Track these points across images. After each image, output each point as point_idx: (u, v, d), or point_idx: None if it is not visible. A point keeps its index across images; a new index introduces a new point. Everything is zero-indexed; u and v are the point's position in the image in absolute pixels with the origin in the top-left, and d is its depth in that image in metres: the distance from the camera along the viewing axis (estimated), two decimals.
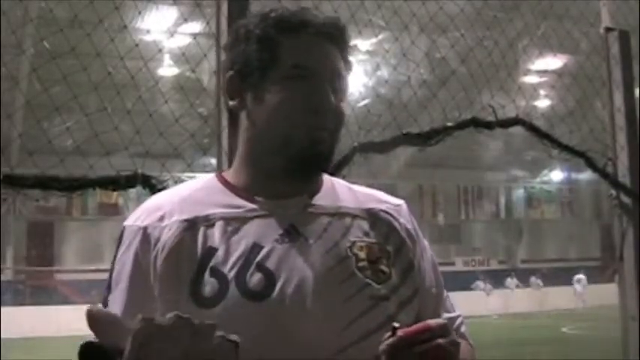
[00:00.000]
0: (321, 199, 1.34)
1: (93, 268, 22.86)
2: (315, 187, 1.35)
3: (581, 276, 27.59)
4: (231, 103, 1.35)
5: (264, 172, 1.32)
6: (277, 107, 1.28)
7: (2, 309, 15.39)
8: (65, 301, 24.12)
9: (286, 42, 1.29)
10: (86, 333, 0.98)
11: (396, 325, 1.09)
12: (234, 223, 1.27)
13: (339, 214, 1.33)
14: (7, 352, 13.35)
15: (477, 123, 3.49)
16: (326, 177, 1.40)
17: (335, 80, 1.31)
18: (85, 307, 0.99)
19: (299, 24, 1.30)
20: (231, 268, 1.22)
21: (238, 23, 1.37)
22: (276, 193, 1.31)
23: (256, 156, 1.33)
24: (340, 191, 1.39)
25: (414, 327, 1.09)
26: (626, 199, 4.00)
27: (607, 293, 10.38)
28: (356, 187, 1.44)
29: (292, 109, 1.27)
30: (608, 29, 4.18)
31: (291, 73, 1.28)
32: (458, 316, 1.43)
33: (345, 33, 1.35)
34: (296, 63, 1.29)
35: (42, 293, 24.76)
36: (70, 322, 18.73)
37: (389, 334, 1.08)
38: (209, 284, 1.21)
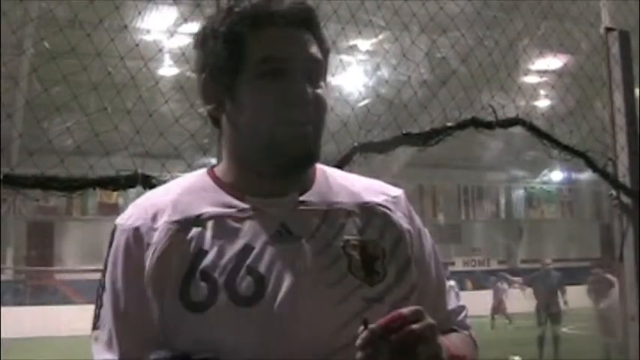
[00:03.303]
0: (313, 196, 1.28)
1: (93, 268, 22.80)
2: (307, 183, 1.30)
3: None
4: (208, 107, 1.29)
5: (253, 172, 1.27)
6: (255, 108, 1.23)
7: (2, 309, 15.37)
8: (65, 301, 24.11)
9: (253, 36, 1.23)
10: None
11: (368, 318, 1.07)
12: (225, 223, 1.23)
13: (332, 210, 1.27)
14: (7, 352, 13.34)
15: (477, 123, 3.49)
16: (320, 169, 1.34)
17: (310, 67, 1.24)
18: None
19: (264, 15, 1.23)
20: (222, 271, 1.19)
21: (205, 22, 1.31)
22: (267, 191, 1.26)
23: (243, 157, 1.28)
24: (334, 184, 1.32)
25: (386, 317, 1.07)
26: (626, 199, 4.00)
27: None
28: (353, 178, 1.38)
29: (270, 109, 1.22)
30: (608, 29, 4.18)
31: (263, 69, 1.22)
32: (462, 308, 1.40)
33: (313, 14, 1.27)
34: (266, 56, 1.22)
35: (42, 293, 24.74)
36: (70, 322, 18.72)
37: (362, 328, 1.06)
38: (199, 288, 1.18)
